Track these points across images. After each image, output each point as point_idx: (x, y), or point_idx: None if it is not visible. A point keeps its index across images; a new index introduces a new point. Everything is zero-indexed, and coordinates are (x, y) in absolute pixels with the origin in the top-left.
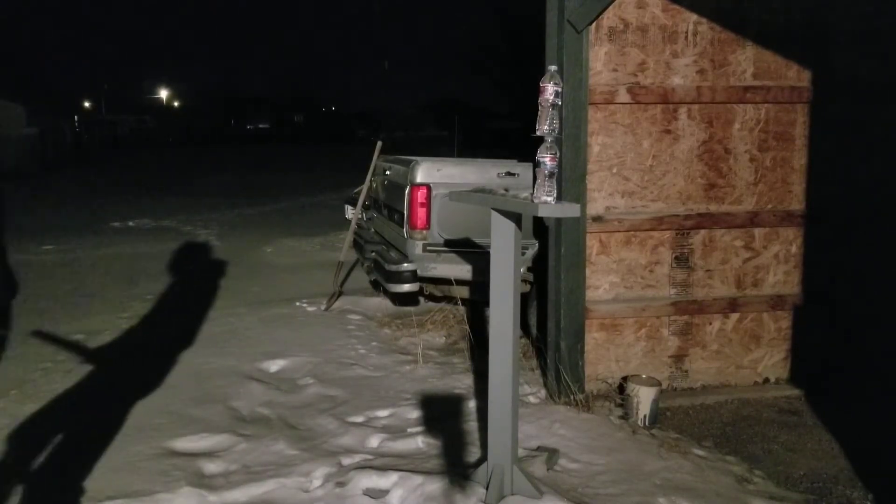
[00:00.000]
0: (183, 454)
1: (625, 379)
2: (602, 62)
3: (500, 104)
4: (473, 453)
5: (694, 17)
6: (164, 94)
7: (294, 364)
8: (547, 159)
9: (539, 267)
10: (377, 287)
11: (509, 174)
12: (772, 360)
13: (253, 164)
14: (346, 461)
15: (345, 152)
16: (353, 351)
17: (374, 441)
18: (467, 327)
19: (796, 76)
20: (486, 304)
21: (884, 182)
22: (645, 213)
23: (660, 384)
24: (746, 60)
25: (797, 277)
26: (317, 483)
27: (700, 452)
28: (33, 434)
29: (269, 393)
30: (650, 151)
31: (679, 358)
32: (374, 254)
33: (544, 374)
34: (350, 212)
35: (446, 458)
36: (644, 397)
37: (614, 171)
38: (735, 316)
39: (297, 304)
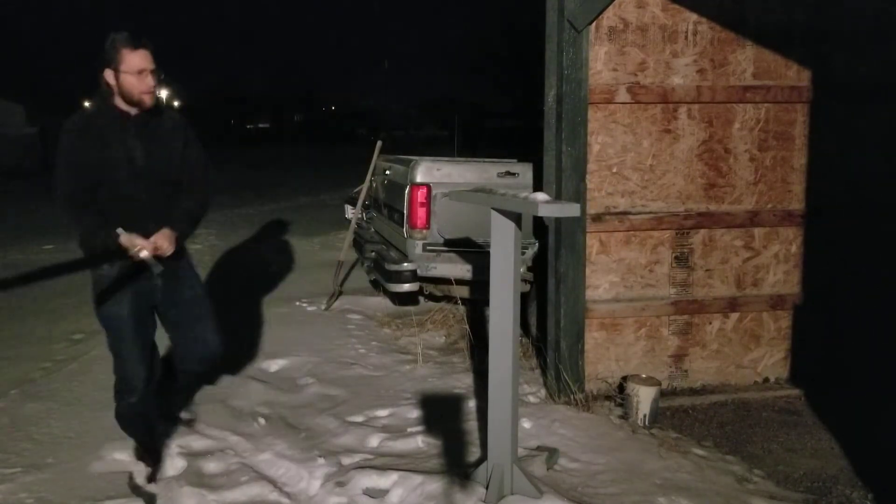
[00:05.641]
0: (183, 453)
1: (625, 378)
2: (602, 62)
3: (499, 103)
4: (473, 453)
5: (694, 16)
6: (163, 93)
7: (294, 363)
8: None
9: (539, 266)
10: (377, 286)
11: (509, 174)
12: (772, 360)
13: (253, 164)
14: (346, 461)
15: (345, 151)
16: (352, 350)
17: (373, 441)
18: (467, 327)
19: (796, 76)
20: (486, 303)
21: (883, 181)
22: (645, 212)
23: (659, 384)
24: (746, 60)
25: (797, 277)
26: (317, 483)
27: (700, 452)
28: (33, 434)
29: (269, 392)
30: (650, 151)
31: (679, 357)
32: (373, 253)
33: (544, 373)
34: (350, 211)
35: (446, 458)
36: (644, 397)
37: (614, 170)
38: (735, 315)
39: (297, 303)
